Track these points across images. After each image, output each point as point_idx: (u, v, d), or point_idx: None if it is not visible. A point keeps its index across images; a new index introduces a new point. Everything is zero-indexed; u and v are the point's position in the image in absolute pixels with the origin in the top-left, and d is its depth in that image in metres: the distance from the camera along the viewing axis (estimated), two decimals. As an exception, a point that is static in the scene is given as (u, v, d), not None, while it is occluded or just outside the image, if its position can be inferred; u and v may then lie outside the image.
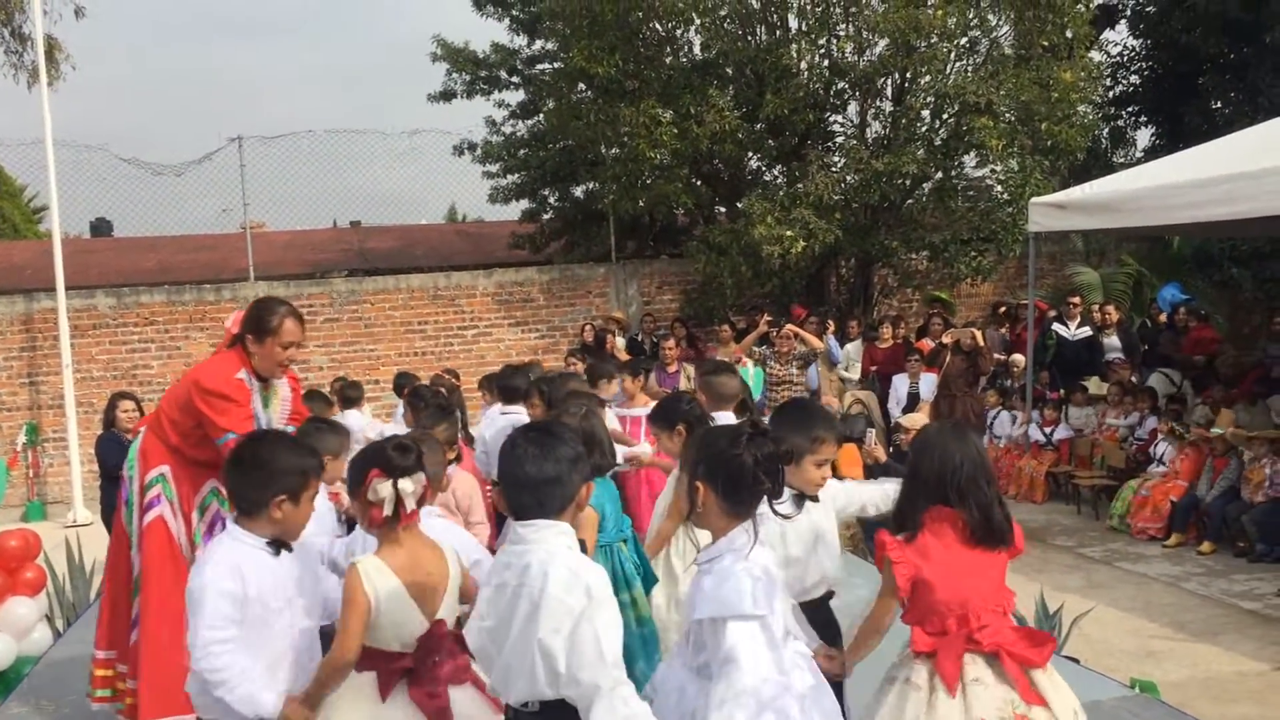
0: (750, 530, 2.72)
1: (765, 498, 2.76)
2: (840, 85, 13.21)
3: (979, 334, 10.43)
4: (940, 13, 11.96)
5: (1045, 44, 12.64)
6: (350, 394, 9.06)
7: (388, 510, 2.91)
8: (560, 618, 2.58)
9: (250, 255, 14.45)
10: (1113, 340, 12.03)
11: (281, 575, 3.14)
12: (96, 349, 13.80)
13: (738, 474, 2.70)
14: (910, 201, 13.52)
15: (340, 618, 2.91)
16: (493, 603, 2.75)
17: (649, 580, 4.32)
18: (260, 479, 3.09)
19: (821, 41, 12.86)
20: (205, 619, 2.97)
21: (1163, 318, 12.55)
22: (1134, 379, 11.44)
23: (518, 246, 16.26)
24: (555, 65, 15.32)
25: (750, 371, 10.44)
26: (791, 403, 4.25)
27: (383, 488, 2.90)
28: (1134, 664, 6.18)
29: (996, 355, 12.09)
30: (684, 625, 2.86)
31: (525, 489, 2.71)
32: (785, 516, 2.99)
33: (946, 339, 10.54)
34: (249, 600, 3.03)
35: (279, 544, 3.14)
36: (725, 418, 4.46)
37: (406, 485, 2.91)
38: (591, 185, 15.51)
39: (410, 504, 2.94)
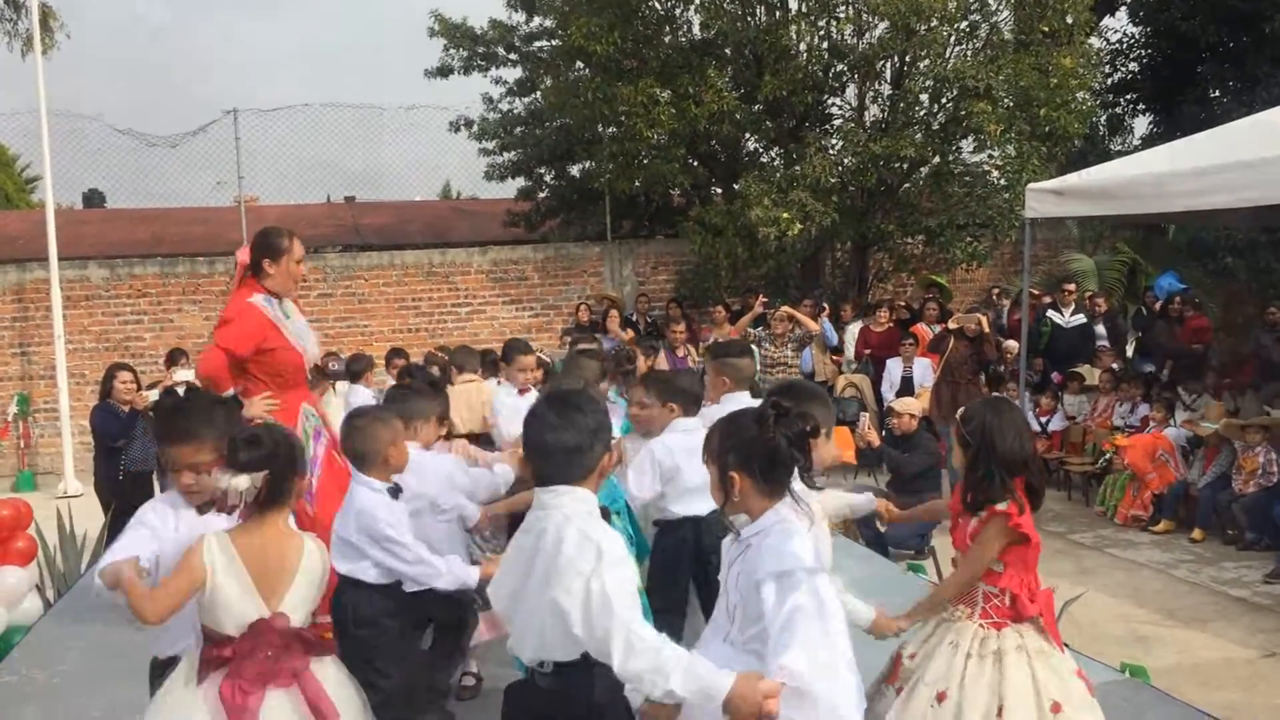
0: (793, 504, 2.77)
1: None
2: (839, 67, 13.16)
3: (985, 319, 10.40)
4: (941, -5, 11.93)
5: (1045, 29, 12.61)
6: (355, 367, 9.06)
7: (231, 500, 2.88)
8: (571, 579, 2.60)
9: (244, 229, 14.38)
10: (1100, 328, 12.07)
11: None
12: (89, 320, 13.75)
13: (773, 456, 2.74)
14: (907, 185, 13.51)
15: (169, 576, 2.87)
16: (512, 565, 2.81)
17: (642, 552, 4.34)
18: None
19: (821, 23, 12.81)
20: None
21: (1158, 306, 12.57)
22: (1115, 366, 11.47)
23: (513, 224, 16.21)
24: (553, 42, 15.25)
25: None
26: (796, 382, 4.34)
27: (222, 479, 2.89)
28: (1123, 649, 6.21)
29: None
30: (726, 602, 2.89)
31: (548, 457, 2.75)
32: (819, 489, 3.03)
33: (952, 324, 10.52)
34: None
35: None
36: (742, 398, 4.46)
37: (240, 482, 2.87)
38: (588, 164, 15.46)
39: (236, 500, 2.89)
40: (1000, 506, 3.29)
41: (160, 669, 3.22)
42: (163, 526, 3.13)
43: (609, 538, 2.69)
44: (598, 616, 2.56)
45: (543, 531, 2.70)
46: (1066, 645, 3.64)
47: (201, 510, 3.13)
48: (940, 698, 3.27)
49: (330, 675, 3.00)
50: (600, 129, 14.00)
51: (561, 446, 2.73)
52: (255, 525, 2.94)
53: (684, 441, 4.32)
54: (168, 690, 2.94)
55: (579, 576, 2.59)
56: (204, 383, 4.93)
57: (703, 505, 4.33)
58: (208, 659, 2.88)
